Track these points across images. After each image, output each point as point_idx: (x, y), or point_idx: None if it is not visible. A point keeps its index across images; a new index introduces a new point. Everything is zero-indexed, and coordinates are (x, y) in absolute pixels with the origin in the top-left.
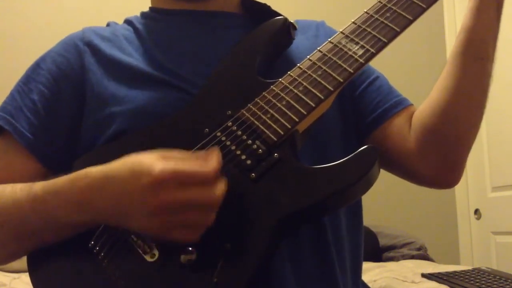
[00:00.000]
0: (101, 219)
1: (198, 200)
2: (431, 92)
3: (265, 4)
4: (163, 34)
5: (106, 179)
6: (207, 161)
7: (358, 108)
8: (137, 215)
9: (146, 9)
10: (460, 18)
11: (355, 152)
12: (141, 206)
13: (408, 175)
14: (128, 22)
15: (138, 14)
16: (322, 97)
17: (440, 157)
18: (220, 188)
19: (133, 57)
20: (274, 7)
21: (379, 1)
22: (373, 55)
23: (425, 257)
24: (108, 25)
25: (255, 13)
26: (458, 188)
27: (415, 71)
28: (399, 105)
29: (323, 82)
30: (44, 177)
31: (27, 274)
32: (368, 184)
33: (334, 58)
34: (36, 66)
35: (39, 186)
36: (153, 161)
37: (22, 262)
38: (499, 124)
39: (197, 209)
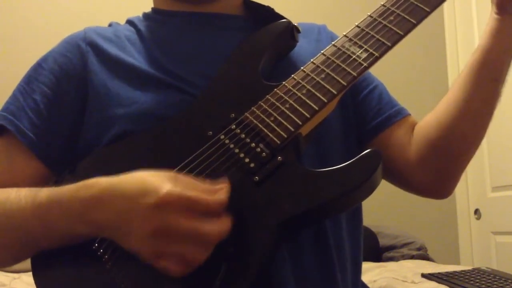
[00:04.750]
0: (100, 233)
1: (197, 232)
2: (438, 104)
3: (268, 7)
4: (166, 35)
5: (111, 192)
6: (215, 192)
7: (359, 114)
8: (133, 234)
9: (147, 10)
10: (461, 22)
11: (359, 156)
12: (140, 225)
13: (403, 184)
14: (130, 22)
15: (140, 15)
16: (326, 100)
17: (439, 169)
18: (224, 224)
19: (136, 59)
20: (277, 9)
21: (383, 5)
22: (377, 59)
23: (425, 257)
24: (110, 25)
25: (258, 15)
26: (458, 188)
27: (414, 75)
28: (399, 114)
29: (326, 85)
30: (47, 176)
31: (27, 274)
32: (371, 187)
33: (338, 62)
34: (38, 66)
35: (44, 194)
36: (162, 182)
37: (22, 262)
38: (499, 124)
39: (193, 242)
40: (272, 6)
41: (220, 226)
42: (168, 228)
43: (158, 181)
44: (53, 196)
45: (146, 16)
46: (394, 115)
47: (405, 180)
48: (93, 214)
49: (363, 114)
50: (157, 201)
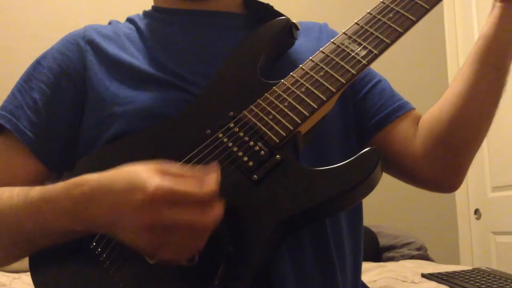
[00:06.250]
0: (94, 229)
1: (189, 224)
2: (442, 96)
3: (267, 4)
4: (165, 34)
5: (100, 189)
6: (205, 181)
7: (360, 111)
8: (127, 229)
9: (148, 8)
10: (460, 19)
11: (358, 154)
12: (130, 221)
13: (410, 178)
14: (130, 21)
15: (140, 13)
16: (325, 99)
17: (445, 162)
18: (216, 212)
19: (135, 57)
20: (277, 7)
21: (382, 2)
22: (376, 56)
23: (425, 257)
24: (109, 23)
25: (257, 13)
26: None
27: (414, 74)
28: (402, 108)
29: (325, 83)
30: (46, 175)
31: (27, 274)
32: (370, 186)
33: (337, 59)
34: (37, 64)
35: (35, 193)
36: (150, 176)
37: (22, 262)
38: (499, 124)
39: (187, 232)
40: (272, 5)
41: (212, 215)
42: (158, 221)
43: (146, 176)
44: (44, 194)
45: (146, 14)
46: (397, 109)
47: (411, 174)
48: (86, 212)
49: (364, 111)
50: (145, 198)
